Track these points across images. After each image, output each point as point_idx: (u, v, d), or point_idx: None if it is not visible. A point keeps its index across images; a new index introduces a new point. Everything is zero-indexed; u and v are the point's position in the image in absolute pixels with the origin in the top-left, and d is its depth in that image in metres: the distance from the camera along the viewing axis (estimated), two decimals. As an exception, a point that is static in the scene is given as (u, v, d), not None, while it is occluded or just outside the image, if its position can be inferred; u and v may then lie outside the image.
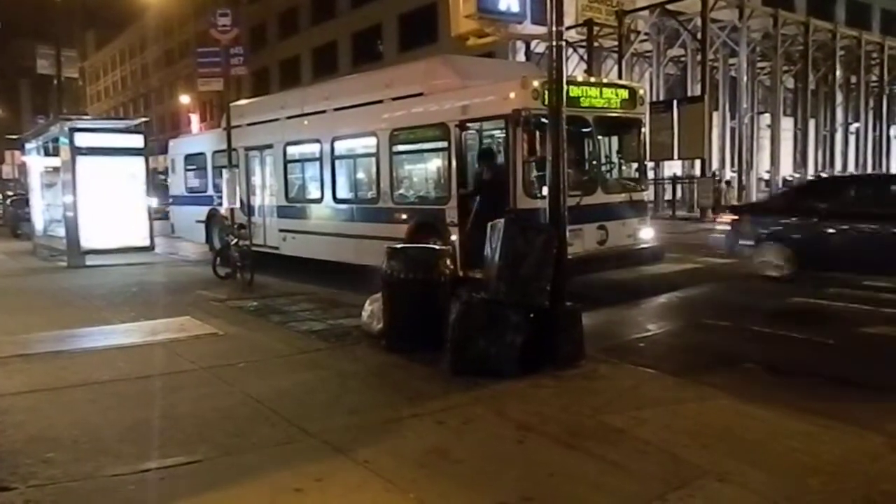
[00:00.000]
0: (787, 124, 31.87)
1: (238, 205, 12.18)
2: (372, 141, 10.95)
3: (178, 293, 10.15)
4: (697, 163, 26.71)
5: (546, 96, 8.39)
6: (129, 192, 14.33)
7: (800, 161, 32.17)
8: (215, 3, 36.05)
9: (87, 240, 13.53)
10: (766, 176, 31.47)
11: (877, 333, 7.42)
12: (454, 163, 9.43)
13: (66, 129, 13.71)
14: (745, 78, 29.72)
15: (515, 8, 6.46)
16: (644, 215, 10.13)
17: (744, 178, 29.47)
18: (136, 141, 14.85)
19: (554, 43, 5.78)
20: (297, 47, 47.99)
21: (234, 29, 11.62)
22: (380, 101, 10.97)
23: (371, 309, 6.94)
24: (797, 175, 32.20)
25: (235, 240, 11.11)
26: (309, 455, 4.06)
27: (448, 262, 6.67)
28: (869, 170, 35.71)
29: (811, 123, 32.80)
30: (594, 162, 9.67)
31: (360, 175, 11.76)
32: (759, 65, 32.56)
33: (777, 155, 30.41)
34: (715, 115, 28.39)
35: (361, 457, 4.01)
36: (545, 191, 7.80)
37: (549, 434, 4.38)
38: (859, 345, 7.04)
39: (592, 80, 10.97)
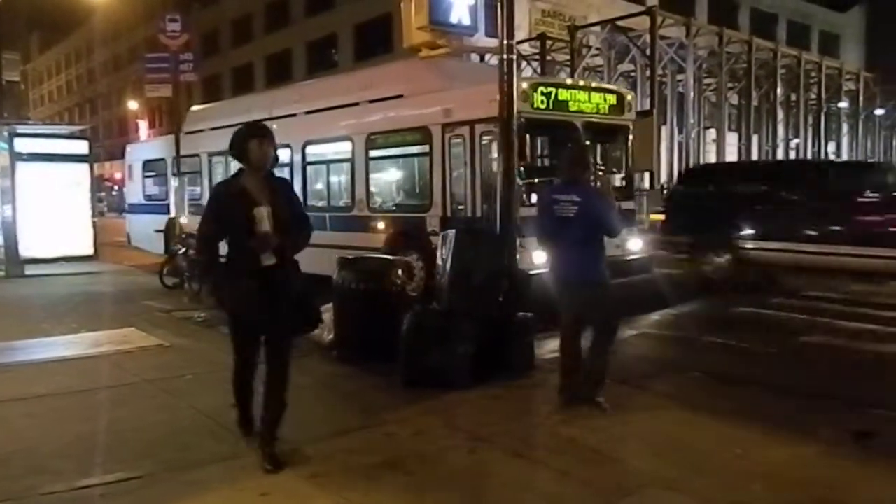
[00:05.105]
0: (731, 139, 32.88)
1: (186, 213, 11.95)
2: (346, 146, 10.56)
3: (122, 304, 9.87)
4: (647, 175, 27.29)
5: (535, 99, 8.40)
6: (73, 200, 13.92)
7: (744, 175, 33.15)
8: (165, 9, 35.46)
9: (27, 248, 13.06)
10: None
11: (815, 342, 7.67)
12: (436, 168, 9.10)
13: (5, 134, 13.29)
14: (692, 94, 30.54)
15: (467, 21, 6.55)
16: (632, 225, 9.84)
17: (691, 190, 30.24)
18: (81, 147, 14.48)
19: (505, 56, 5.85)
20: (251, 55, 47.42)
21: (184, 34, 11.46)
22: (356, 104, 10.57)
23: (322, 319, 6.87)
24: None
25: (184, 249, 10.88)
26: (255, 470, 3.97)
27: (399, 272, 6.64)
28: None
29: (754, 139, 33.90)
30: (595, 167, 9.10)
31: (334, 182, 11.34)
32: (706, 81, 33.51)
33: (722, 169, 31.27)
34: (663, 129, 29.08)
35: (309, 471, 3.95)
36: (535, 198, 7.75)
37: (500, 444, 4.39)
38: (798, 354, 7.27)
39: (581, 83, 10.47)
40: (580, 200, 5.01)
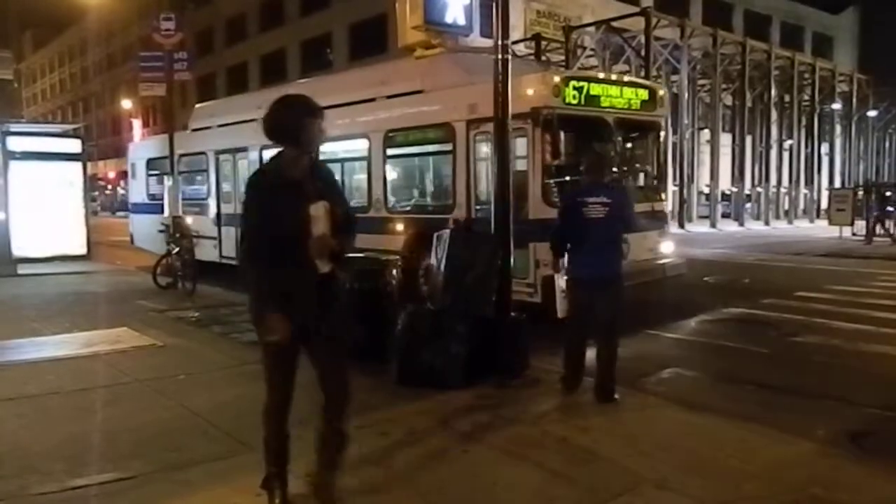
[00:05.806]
0: (725, 140, 33.00)
1: (180, 213, 11.93)
2: (363, 143, 10.16)
3: (115, 303, 9.83)
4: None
5: (567, 93, 8.06)
6: (66, 199, 13.87)
7: (738, 176, 33.31)
8: (160, 7, 35.30)
9: (20, 248, 13.01)
10: (707, 190, 32.48)
11: (807, 343, 7.70)
12: (460, 166, 8.73)
13: (-3, 133, 13.22)
14: (686, 95, 30.65)
15: (462, 21, 6.47)
16: (665, 227, 9.43)
17: (685, 191, 30.34)
18: (73, 146, 14.42)
19: (500, 56, 5.85)
20: (245, 54, 47.36)
21: (178, 33, 11.43)
22: (372, 100, 10.21)
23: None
24: (735, 189, 33.34)
25: (177, 248, 10.88)
26: (248, 469, 3.94)
27: (394, 272, 6.64)
28: (802, 186, 37.25)
29: (748, 140, 34.05)
30: (614, 168, 8.69)
31: (349, 181, 10.91)
32: (700, 82, 33.65)
33: (716, 169, 31.44)
34: (658, 129, 29.17)
35: (303, 470, 3.93)
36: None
37: (492, 444, 4.39)
38: (791, 354, 7.30)
39: (613, 77, 9.84)
40: (610, 202, 5.28)
